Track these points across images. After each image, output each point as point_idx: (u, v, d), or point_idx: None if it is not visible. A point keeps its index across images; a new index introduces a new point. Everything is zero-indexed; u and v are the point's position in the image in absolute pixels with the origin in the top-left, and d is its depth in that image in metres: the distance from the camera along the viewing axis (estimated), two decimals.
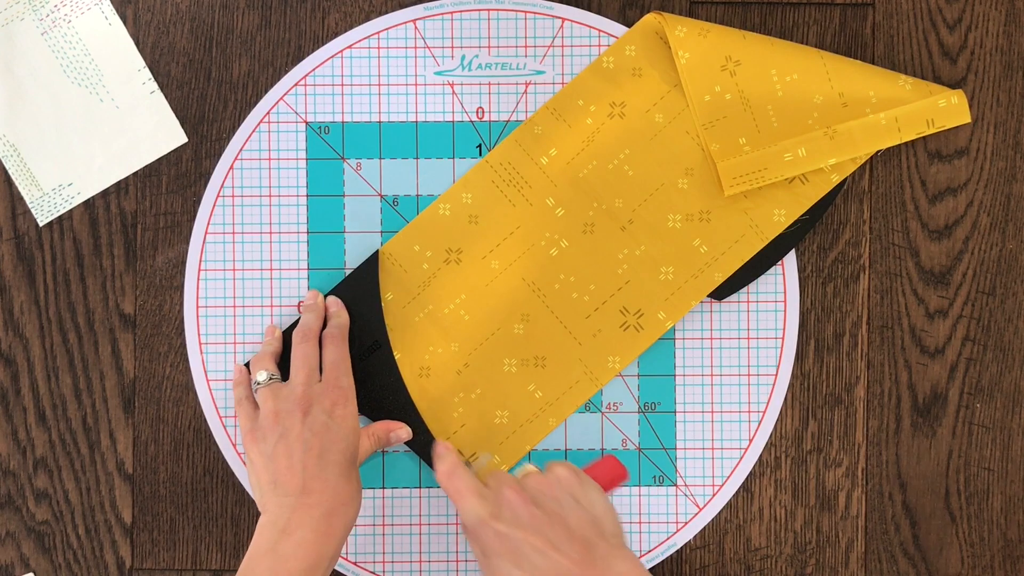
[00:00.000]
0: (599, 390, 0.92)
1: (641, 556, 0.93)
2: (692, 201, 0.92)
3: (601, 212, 0.92)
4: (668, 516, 0.93)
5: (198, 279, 0.93)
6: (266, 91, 0.93)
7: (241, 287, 0.93)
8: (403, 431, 0.90)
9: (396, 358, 0.92)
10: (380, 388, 0.92)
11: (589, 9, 0.93)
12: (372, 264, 0.92)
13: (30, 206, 0.93)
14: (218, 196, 0.93)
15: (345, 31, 0.93)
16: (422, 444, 0.92)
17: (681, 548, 0.93)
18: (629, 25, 0.93)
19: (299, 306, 0.93)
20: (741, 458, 0.93)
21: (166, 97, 0.94)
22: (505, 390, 0.92)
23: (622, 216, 0.92)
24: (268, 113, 0.93)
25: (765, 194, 0.91)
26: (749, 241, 0.92)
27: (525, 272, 0.92)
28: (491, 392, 0.92)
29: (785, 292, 0.93)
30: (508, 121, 0.93)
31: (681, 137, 0.92)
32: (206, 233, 0.93)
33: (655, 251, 0.92)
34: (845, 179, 0.92)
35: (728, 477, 0.93)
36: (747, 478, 0.93)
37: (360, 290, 0.92)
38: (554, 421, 0.92)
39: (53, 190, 0.93)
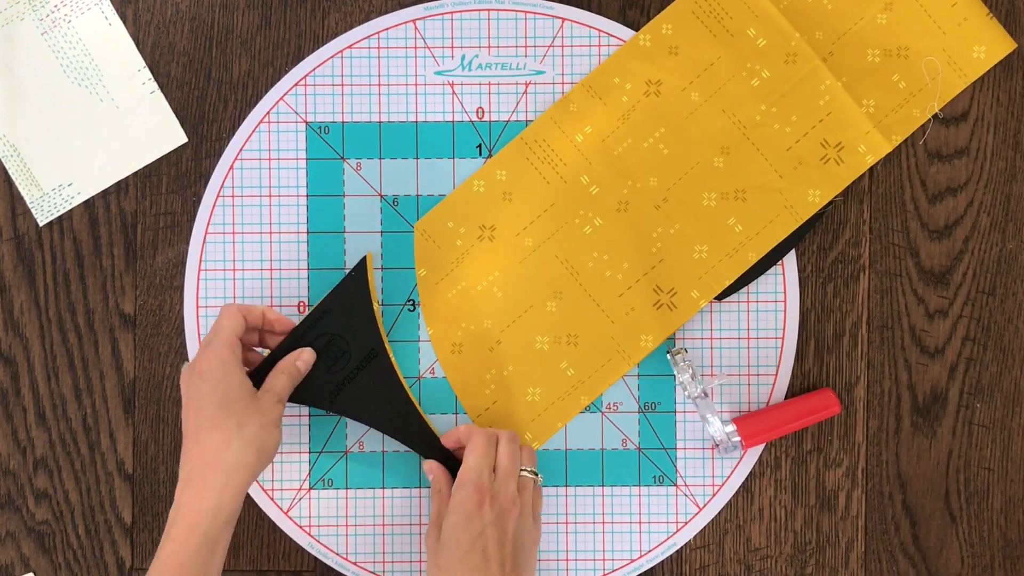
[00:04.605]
0: (631, 368, 0.92)
1: (641, 556, 0.93)
2: (727, 180, 0.91)
3: (635, 190, 0.92)
4: (668, 516, 0.93)
5: (198, 279, 0.93)
6: (266, 91, 0.93)
7: (241, 287, 0.93)
8: (306, 353, 0.87)
9: (430, 334, 0.92)
10: (381, 396, 0.89)
11: (589, 9, 0.93)
12: (361, 270, 0.89)
13: (30, 206, 0.93)
14: (218, 196, 0.93)
15: (345, 31, 0.93)
16: (424, 444, 0.91)
17: (681, 548, 0.93)
18: (629, 25, 0.93)
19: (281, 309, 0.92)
20: (741, 458, 0.93)
21: (166, 97, 0.94)
22: (537, 367, 0.92)
23: (656, 194, 0.92)
24: (268, 113, 0.93)
25: (800, 174, 0.91)
26: (783, 221, 0.91)
27: (558, 249, 0.92)
28: (523, 369, 0.92)
29: (785, 292, 0.93)
30: (508, 121, 0.93)
31: (717, 116, 0.92)
32: (206, 233, 0.93)
33: (689, 230, 0.92)
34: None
35: (728, 477, 0.93)
36: (747, 478, 0.93)
37: (351, 299, 0.89)
38: (586, 399, 0.92)
39: (53, 190, 0.93)
